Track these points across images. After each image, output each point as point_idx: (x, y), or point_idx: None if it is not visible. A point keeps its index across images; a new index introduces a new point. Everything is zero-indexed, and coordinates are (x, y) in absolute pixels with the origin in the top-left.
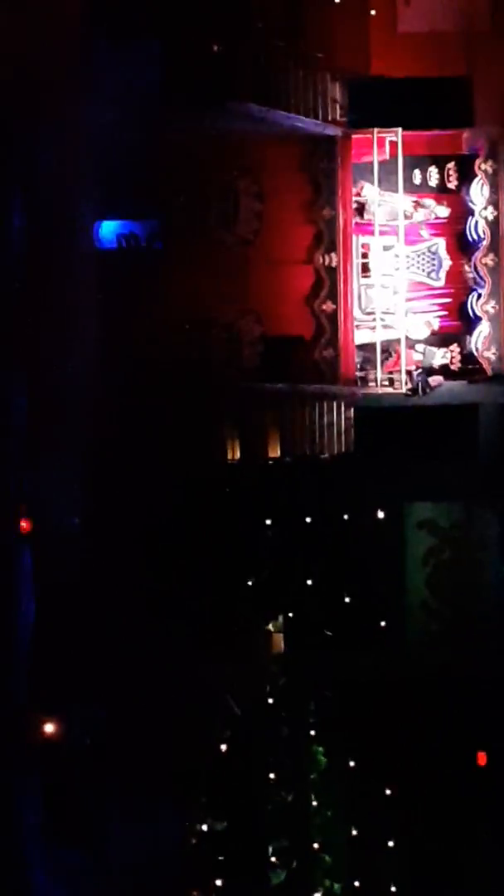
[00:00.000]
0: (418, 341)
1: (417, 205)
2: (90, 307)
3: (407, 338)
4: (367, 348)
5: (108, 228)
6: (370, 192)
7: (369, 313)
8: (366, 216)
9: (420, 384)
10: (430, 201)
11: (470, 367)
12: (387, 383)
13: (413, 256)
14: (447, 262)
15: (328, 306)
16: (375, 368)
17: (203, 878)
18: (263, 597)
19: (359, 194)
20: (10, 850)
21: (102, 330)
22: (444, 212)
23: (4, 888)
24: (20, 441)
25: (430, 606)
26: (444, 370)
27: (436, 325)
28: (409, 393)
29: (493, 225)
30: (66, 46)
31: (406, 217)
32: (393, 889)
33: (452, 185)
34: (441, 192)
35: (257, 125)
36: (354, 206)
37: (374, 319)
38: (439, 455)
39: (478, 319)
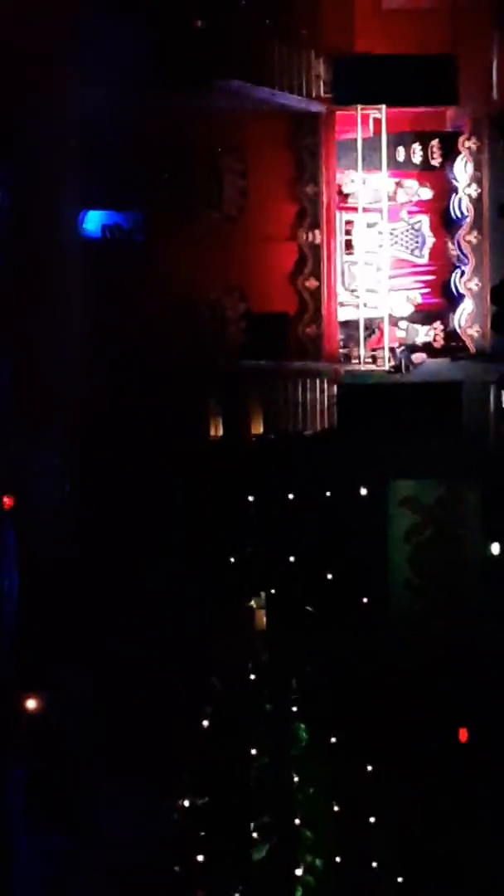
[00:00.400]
0: (401, 318)
1: (399, 185)
2: (75, 285)
3: (390, 315)
4: (351, 325)
5: (94, 219)
6: (354, 170)
7: (353, 290)
8: (350, 200)
9: (403, 361)
10: (411, 182)
11: (453, 344)
12: (370, 360)
13: (397, 233)
14: (431, 240)
15: (312, 283)
16: (358, 345)
17: (186, 854)
18: (246, 573)
19: (341, 183)
20: None
21: (87, 307)
22: (427, 193)
23: None
24: (4, 417)
25: (413, 583)
26: (428, 347)
27: (418, 299)
28: (392, 370)
29: (477, 202)
30: (54, 26)
31: (389, 198)
32: (374, 865)
33: (436, 162)
34: (425, 169)
35: (242, 102)
36: (338, 183)
37: (358, 296)
38: (422, 432)
39: (461, 297)
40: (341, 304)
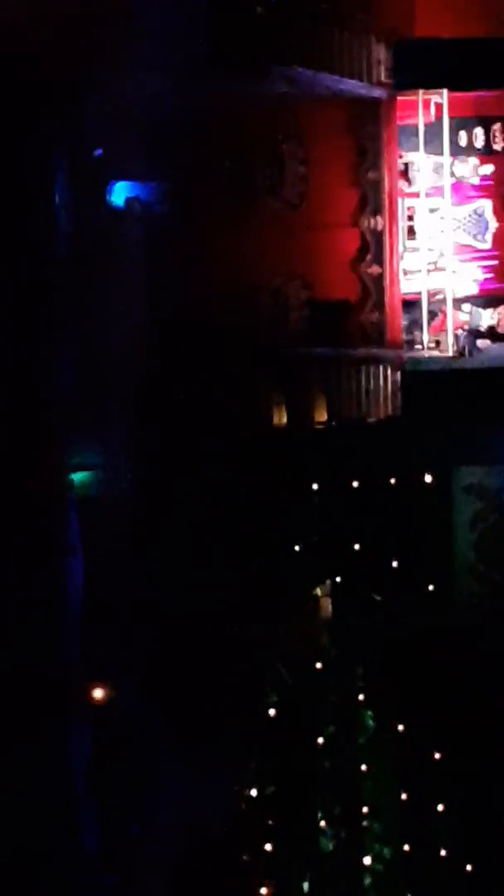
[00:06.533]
0: (465, 300)
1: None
2: (138, 271)
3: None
4: (413, 309)
5: (119, 190)
6: (416, 155)
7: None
8: (411, 179)
9: (467, 346)
10: (472, 159)
11: None
12: (433, 345)
13: (459, 218)
14: (494, 224)
15: (374, 270)
16: (421, 331)
17: (253, 843)
18: (311, 562)
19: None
20: (61, 816)
21: (150, 294)
22: (488, 168)
23: (55, 853)
24: (67, 405)
25: (478, 570)
26: (492, 332)
27: (479, 276)
28: (456, 355)
29: None
30: (115, 12)
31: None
32: (443, 853)
33: (498, 146)
34: (487, 153)
35: (302, 89)
36: (400, 169)
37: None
38: (487, 418)
39: None
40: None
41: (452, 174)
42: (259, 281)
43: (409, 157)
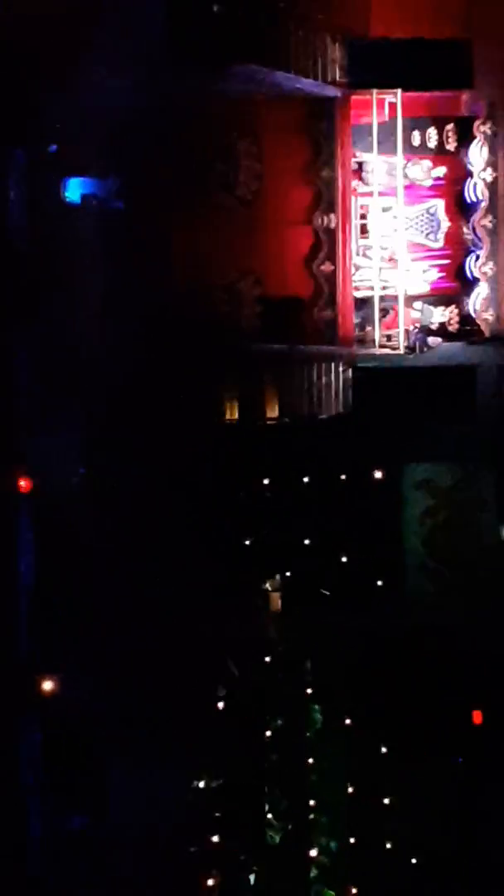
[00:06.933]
0: (417, 298)
1: (414, 162)
2: (93, 267)
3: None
4: (366, 306)
5: (74, 185)
6: (369, 154)
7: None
8: (364, 178)
9: (418, 343)
10: (426, 162)
11: (468, 328)
12: (385, 340)
13: (412, 218)
14: (446, 224)
15: (327, 267)
16: (374, 327)
17: (201, 835)
18: (261, 556)
19: (356, 155)
20: (10, 808)
21: (105, 289)
22: (441, 171)
23: (4, 847)
24: (21, 399)
25: (428, 566)
26: (443, 331)
27: (432, 277)
28: (407, 351)
29: (492, 186)
30: (72, 7)
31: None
32: (388, 846)
33: (451, 146)
34: (440, 153)
35: (258, 86)
36: (353, 168)
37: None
38: (437, 415)
39: (476, 281)
40: (357, 289)
41: (406, 176)
42: (213, 277)
43: (363, 156)
